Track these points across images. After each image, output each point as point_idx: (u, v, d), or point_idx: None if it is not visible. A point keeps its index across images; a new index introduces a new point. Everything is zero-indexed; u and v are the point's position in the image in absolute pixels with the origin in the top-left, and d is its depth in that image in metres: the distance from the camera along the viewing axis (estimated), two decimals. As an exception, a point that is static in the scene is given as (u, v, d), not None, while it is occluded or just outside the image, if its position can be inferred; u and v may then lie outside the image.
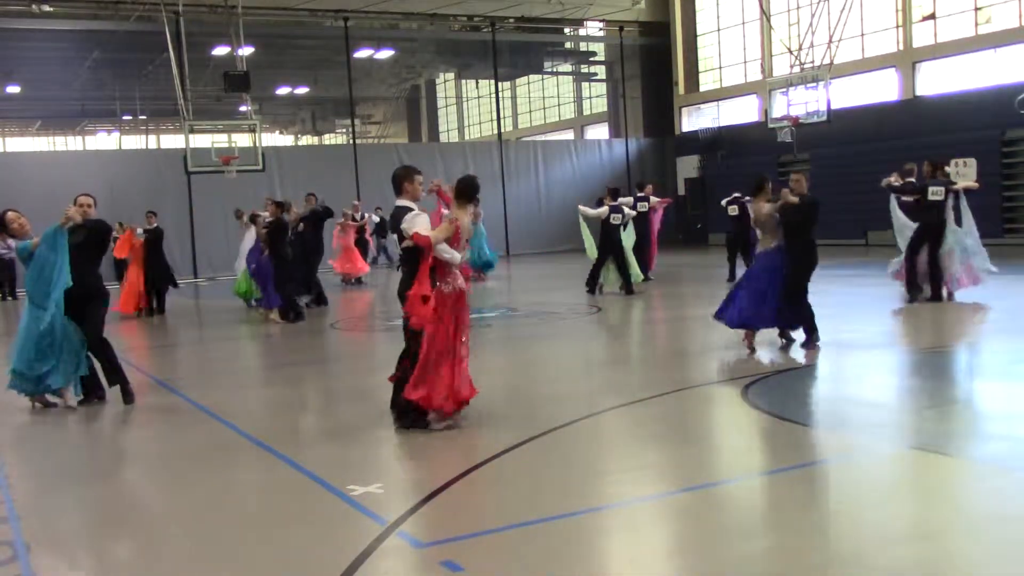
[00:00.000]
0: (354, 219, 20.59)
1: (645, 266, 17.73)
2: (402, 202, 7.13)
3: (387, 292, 19.36)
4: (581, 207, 16.72)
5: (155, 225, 16.36)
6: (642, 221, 17.62)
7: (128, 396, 8.22)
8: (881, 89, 25.79)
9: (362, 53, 32.48)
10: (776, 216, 9.43)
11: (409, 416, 6.89)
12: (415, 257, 6.78)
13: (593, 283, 16.08)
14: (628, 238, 16.06)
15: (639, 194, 18.17)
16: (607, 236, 15.84)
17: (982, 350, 9.28)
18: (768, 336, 10.08)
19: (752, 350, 9.45)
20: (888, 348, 9.95)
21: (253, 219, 14.79)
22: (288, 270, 14.03)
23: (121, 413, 8.08)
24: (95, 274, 8.20)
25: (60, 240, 7.72)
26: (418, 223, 6.85)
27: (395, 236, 7.19)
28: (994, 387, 7.62)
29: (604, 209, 15.99)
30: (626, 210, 16.01)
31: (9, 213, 8.19)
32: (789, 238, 9.48)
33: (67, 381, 8.00)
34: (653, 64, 32.34)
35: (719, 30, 31.13)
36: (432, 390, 6.72)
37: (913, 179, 13.75)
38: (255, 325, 14.18)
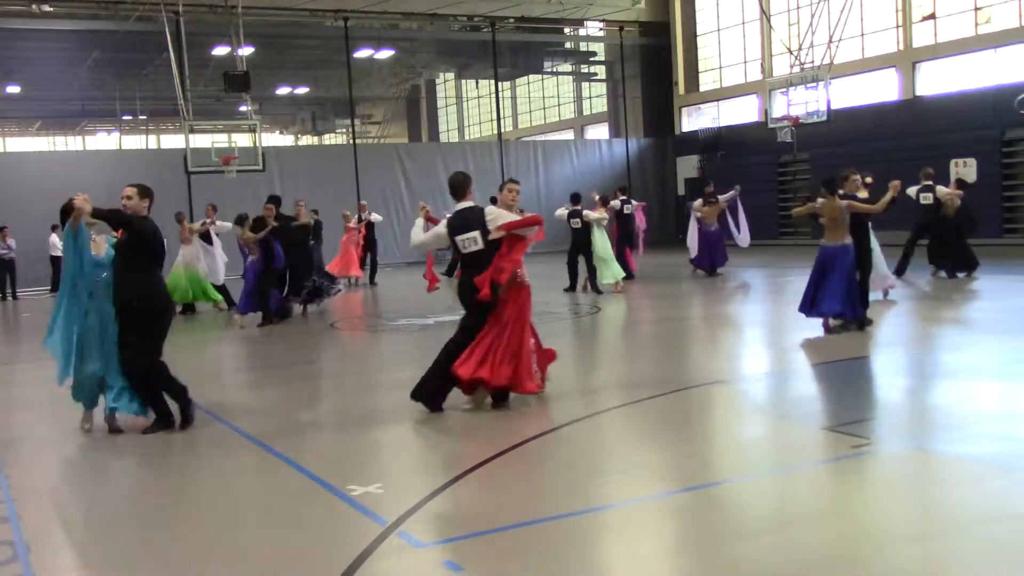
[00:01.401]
0: (360, 218, 20.55)
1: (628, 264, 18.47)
2: (467, 203, 7.53)
3: (385, 293, 19.36)
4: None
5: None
6: (630, 222, 18.44)
7: (152, 430, 7.16)
8: (881, 89, 25.79)
9: (362, 53, 32.49)
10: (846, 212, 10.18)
11: (435, 399, 7.35)
12: (490, 255, 7.26)
13: (574, 283, 16.59)
14: (602, 240, 16.39)
15: (622, 197, 18.85)
16: (573, 239, 16.56)
17: (981, 350, 9.28)
18: (767, 335, 10.09)
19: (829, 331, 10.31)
20: (887, 348, 9.95)
21: (240, 221, 14.66)
22: (273, 274, 14.01)
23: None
24: (138, 280, 7.04)
25: (70, 241, 7.09)
26: (504, 215, 7.41)
27: (468, 237, 7.41)
28: (993, 387, 7.62)
29: (562, 211, 16.65)
30: (587, 213, 16.32)
31: (76, 200, 7.34)
32: (855, 233, 10.26)
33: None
34: (653, 64, 32.34)
35: (719, 30, 31.13)
36: (521, 375, 7.27)
37: (931, 183, 15.08)
38: (253, 326, 14.10)
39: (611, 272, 16.14)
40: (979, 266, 15.38)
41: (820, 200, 10.46)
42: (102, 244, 7.38)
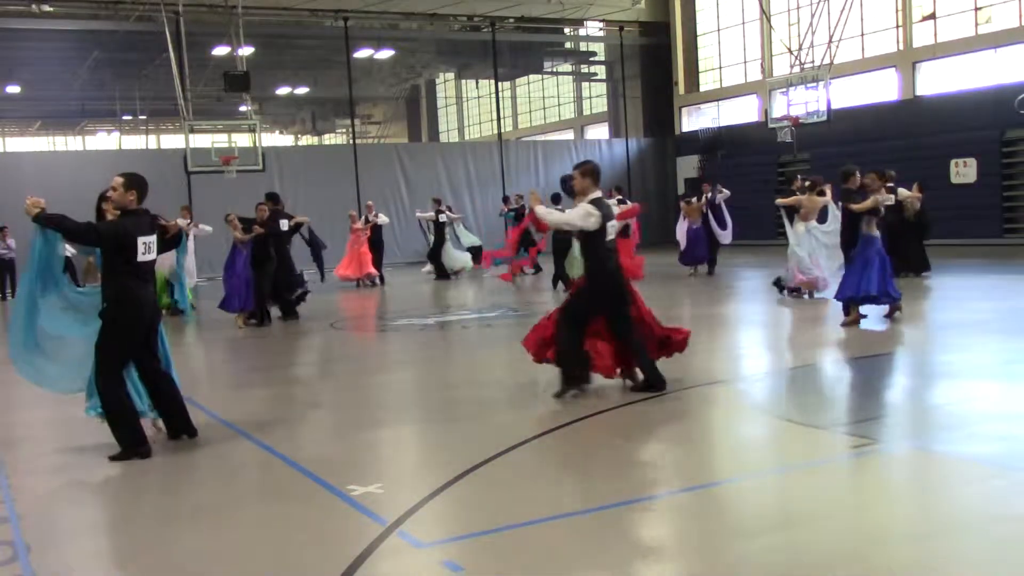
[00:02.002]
0: (367, 220, 20.45)
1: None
2: (598, 193, 7.69)
3: (385, 293, 19.36)
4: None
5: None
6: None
7: (121, 455, 6.41)
8: (881, 89, 25.79)
9: (362, 53, 32.49)
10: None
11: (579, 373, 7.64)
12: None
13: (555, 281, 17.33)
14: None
15: (618, 196, 19.24)
16: (553, 237, 17.17)
17: (981, 350, 9.28)
18: (767, 334, 10.08)
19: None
20: (886, 348, 9.95)
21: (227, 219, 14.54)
22: (270, 274, 14.00)
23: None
24: (109, 282, 6.51)
25: (34, 239, 6.60)
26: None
27: (614, 225, 7.72)
28: (993, 387, 7.62)
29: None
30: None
31: (27, 202, 6.75)
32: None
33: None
34: (653, 64, 32.35)
35: (719, 30, 31.14)
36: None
37: (892, 184, 15.12)
38: (250, 326, 14.08)
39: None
40: (929, 270, 15.77)
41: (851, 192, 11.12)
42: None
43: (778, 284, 13.94)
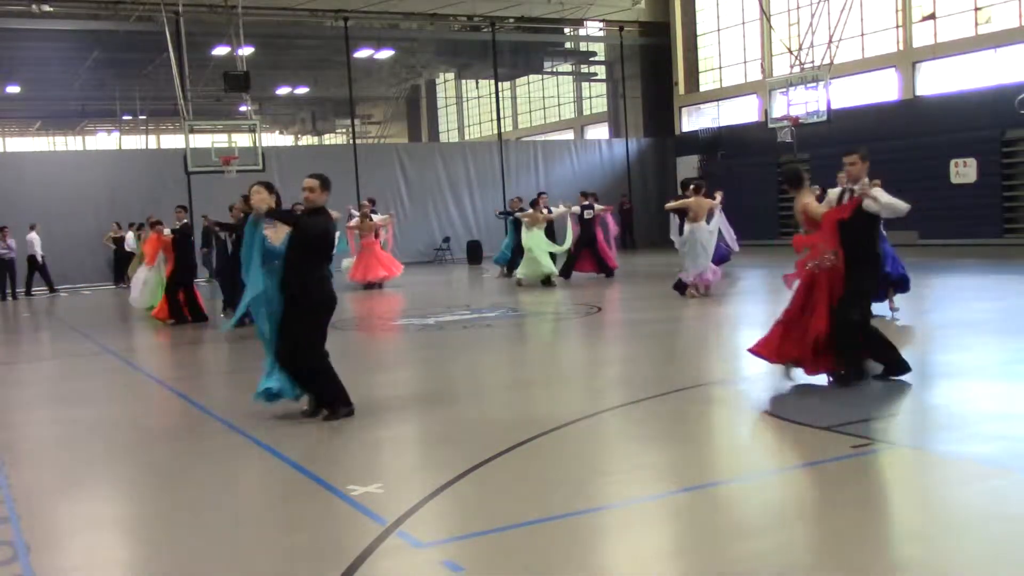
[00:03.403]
0: (367, 217, 20.25)
1: (605, 264, 19.25)
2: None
3: (384, 292, 19.36)
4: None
5: (184, 221, 15.84)
6: (588, 226, 19.18)
7: (333, 413, 7.28)
8: (881, 89, 25.80)
9: (362, 53, 32.50)
10: None
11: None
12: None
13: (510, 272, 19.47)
14: (533, 239, 18.40)
15: (584, 203, 19.58)
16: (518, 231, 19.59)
17: (981, 350, 9.28)
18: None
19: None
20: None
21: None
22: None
23: (118, 413, 8.05)
24: (299, 274, 7.22)
25: (251, 232, 7.27)
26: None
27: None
28: (993, 387, 7.62)
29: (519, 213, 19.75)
30: (518, 214, 19.31)
31: (254, 199, 7.48)
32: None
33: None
34: (653, 64, 32.36)
35: (719, 30, 31.15)
36: None
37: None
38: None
39: (525, 270, 18.23)
40: None
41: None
42: (281, 233, 7.50)
43: (679, 287, 14.67)
